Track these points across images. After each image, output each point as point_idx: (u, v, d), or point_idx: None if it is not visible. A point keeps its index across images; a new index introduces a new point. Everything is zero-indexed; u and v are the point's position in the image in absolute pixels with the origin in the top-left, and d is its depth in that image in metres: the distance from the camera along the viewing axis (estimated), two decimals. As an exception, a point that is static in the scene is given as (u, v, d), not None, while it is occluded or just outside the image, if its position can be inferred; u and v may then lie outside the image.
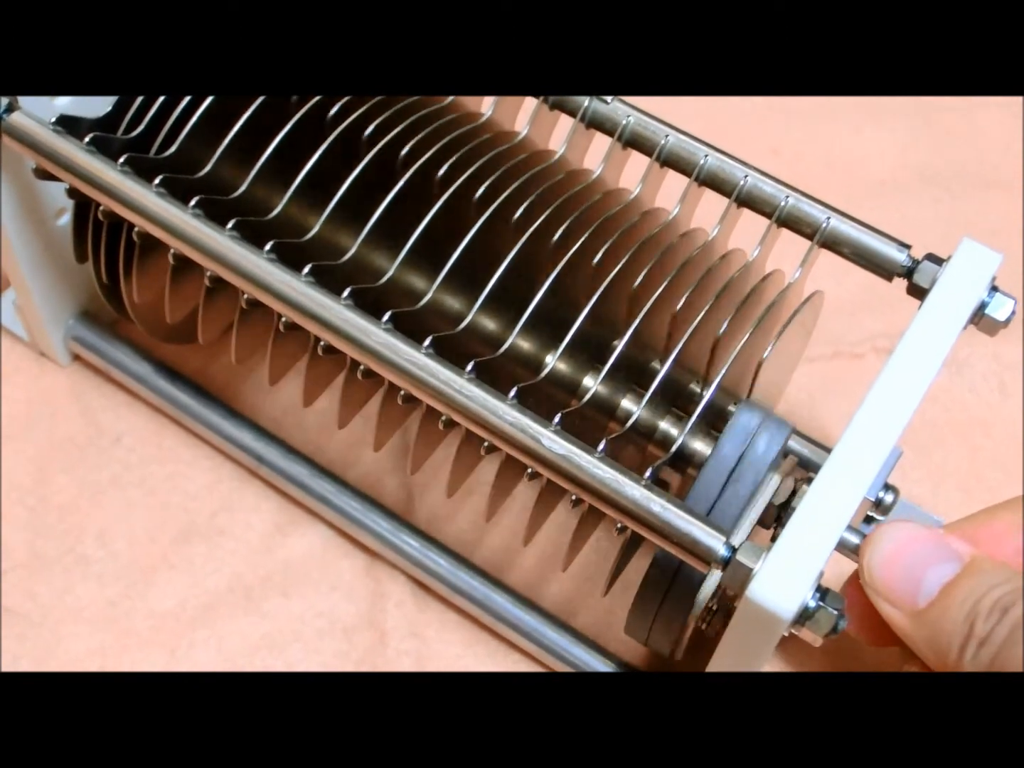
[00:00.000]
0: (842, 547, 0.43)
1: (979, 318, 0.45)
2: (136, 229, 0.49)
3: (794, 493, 0.46)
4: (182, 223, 0.46)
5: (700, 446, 0.48)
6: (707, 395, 0.45)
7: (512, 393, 0.43)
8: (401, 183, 0.48)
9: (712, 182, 0.50)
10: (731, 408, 0.49)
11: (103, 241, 0.52)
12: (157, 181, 0.47)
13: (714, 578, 0.42)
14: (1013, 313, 0.45)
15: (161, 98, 0.50)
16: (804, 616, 0.39)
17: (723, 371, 0.45)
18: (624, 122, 0.51)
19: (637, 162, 0.52)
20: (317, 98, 0.50)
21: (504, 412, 0.43)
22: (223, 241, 0.46)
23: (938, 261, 0.46)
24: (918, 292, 0.47)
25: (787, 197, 0.49)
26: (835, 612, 0.39)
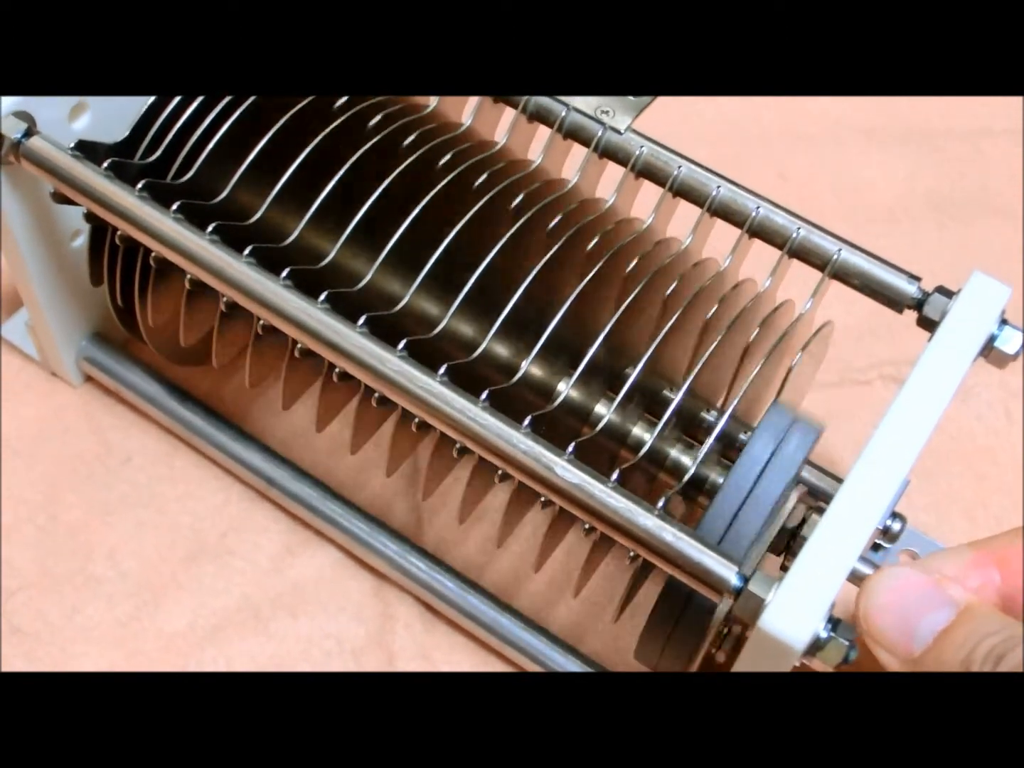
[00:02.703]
0: (852, 577, 0.43)
1: (988, 351, 0.45)
2: (153, 254, 0.49)
3: (804, 522, 0.47)
4: (199, 249, 0.47)
5: (712, 475, 0.48)
6: (720, 424, 0.45)
7: (526, 422, 0.44)
8: (416, 211, 0.48)
9: (724, 212, 0.51)
10: (743, 436, 0.50)
11: (119, 265, 0.52)
12: (175, 207, 0.47)
13: (726, 604, 0.42)
14: (1023, 347, 0.45)
15: (178, 124, 0.50)
16: (816, 647, 0.39)
17: (735, 401, 0.46)
18: (637, 152, 0.52)
19: (649, 191, 0.53)
20: (332, 126, 0.50)
21: (518, 441, 0.43)
22: (240, 267, 0.46)
23: (948, 294, 0.47)
24: (928, 324, 0.47)
25: (798, 229, 0.50)
26: (846, 643, 0.39)
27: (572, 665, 0.54)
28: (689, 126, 0.76)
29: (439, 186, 0.49)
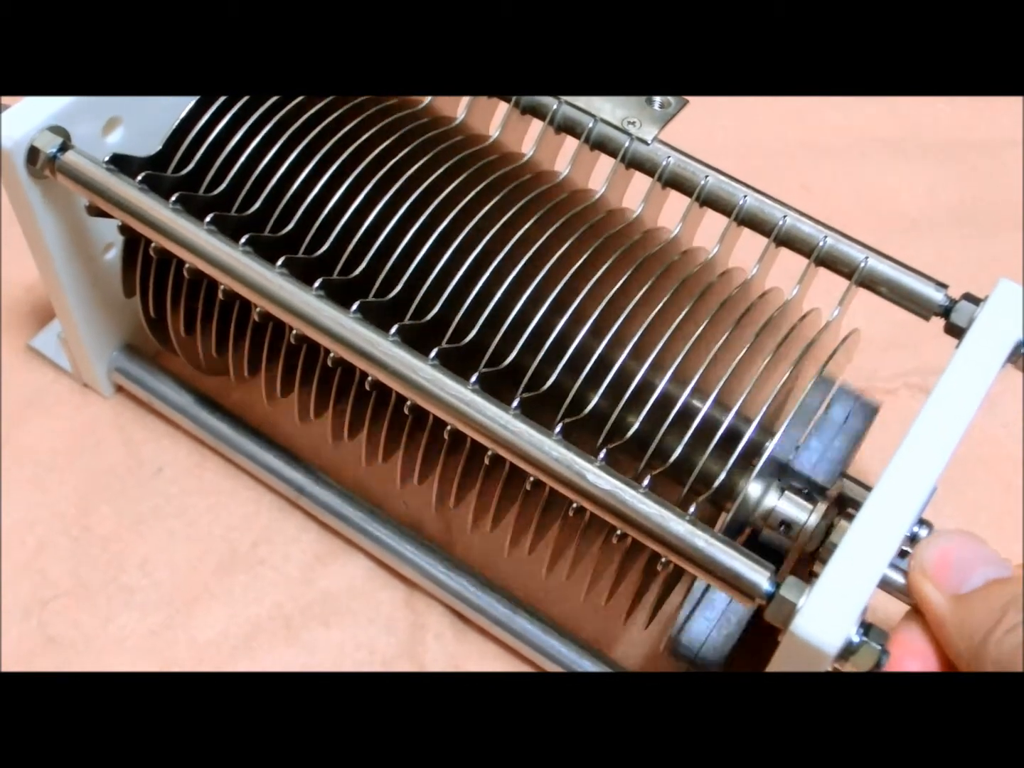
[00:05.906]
0: (882, 583, 0.44)
1: (1016, 358, 0.46)
2: (187, 265, 0.50)
3: (831, 528, 0.47)
4: (233, 260, 0.47)
5: (739, 481, 0.48)
6: (748, 432, 0.46)
7: (557, 429, 0.44)
8: (446, 223, 0.49)
9: (751, 222, 0.51)
10: (767, 443, 0.50)
11: (151, 276, 0.53)
12: (208, 219, 0.48)
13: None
14: (1051, 354, 0.45)
15: (211, 137, 0.51)
16: (848, 651, 0.39)
17: (763, 409, 0.46)
18: (664, 163, 0.52)
19: (676, 201, 0.53)
20: (363, 138, 0.51)
21: (550, 448, 0.44)
22: (273, 278, 0.47)
23: (975, 301, 0.47)
24: (955, 331, 0.47)
25: (825, 237, 0.50)
26: (878, 648, 0.39)
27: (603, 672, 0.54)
28: (713, 139, 0.77)
29: (468, 197, 0.50)
